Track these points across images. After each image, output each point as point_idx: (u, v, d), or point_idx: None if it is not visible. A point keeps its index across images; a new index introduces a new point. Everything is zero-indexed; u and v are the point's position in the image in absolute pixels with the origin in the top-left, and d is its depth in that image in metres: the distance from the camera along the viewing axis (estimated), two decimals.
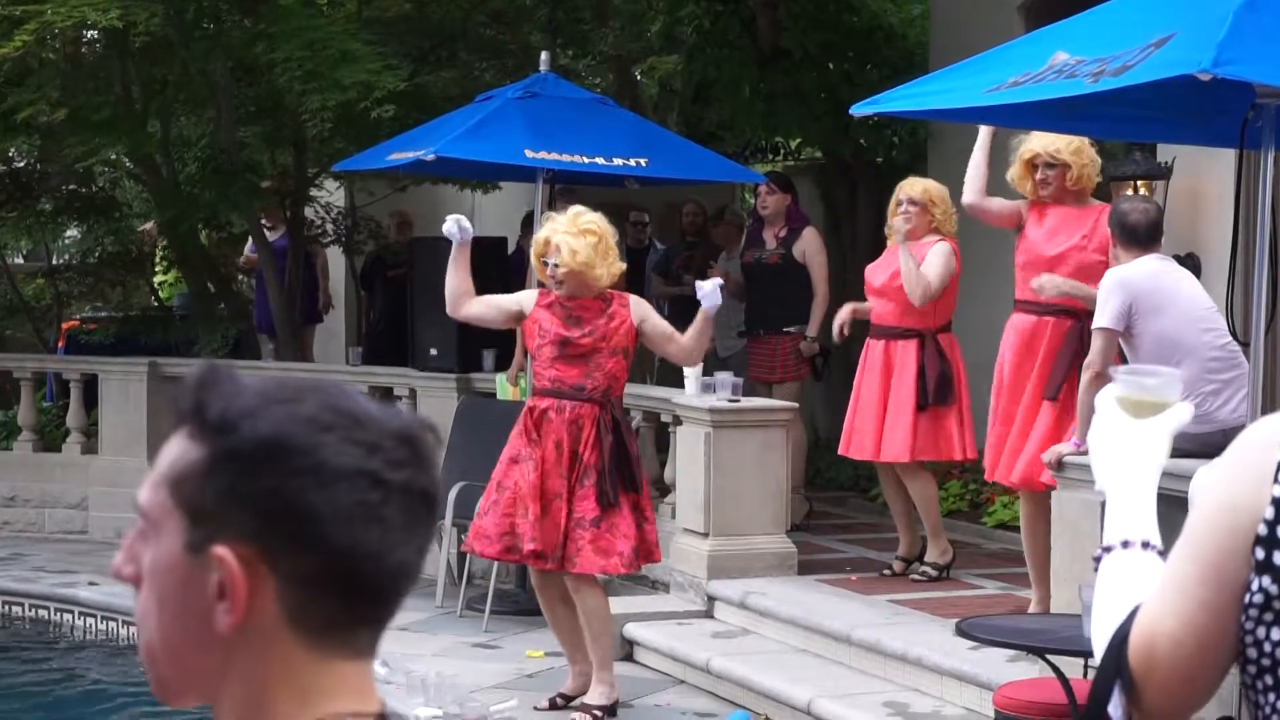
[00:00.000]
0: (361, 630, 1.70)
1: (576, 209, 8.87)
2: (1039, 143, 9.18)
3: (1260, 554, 2.29)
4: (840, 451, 11.14)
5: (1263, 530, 2.30)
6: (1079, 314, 9.02)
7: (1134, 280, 8.00)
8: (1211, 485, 2.38)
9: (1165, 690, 2.37)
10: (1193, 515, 2.39)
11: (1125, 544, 2.56)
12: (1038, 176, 9.25)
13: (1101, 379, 8.10)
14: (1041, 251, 9.26)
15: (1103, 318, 8.02)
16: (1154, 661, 2.36)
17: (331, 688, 1.68)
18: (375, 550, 1.67)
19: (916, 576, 10.70)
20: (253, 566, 1.65)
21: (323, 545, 1.65)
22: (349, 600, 1.68)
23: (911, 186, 10.62)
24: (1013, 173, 9.38)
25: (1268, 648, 2.30)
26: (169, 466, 1.70)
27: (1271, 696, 2.33)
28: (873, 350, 10.74)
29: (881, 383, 10.63)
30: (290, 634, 1.66)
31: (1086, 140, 9.19)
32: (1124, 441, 2.67)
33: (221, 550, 1.64)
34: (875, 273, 10.77)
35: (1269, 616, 2.30)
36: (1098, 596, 2.54)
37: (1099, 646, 2.46)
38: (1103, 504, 7.78)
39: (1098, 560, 2.58)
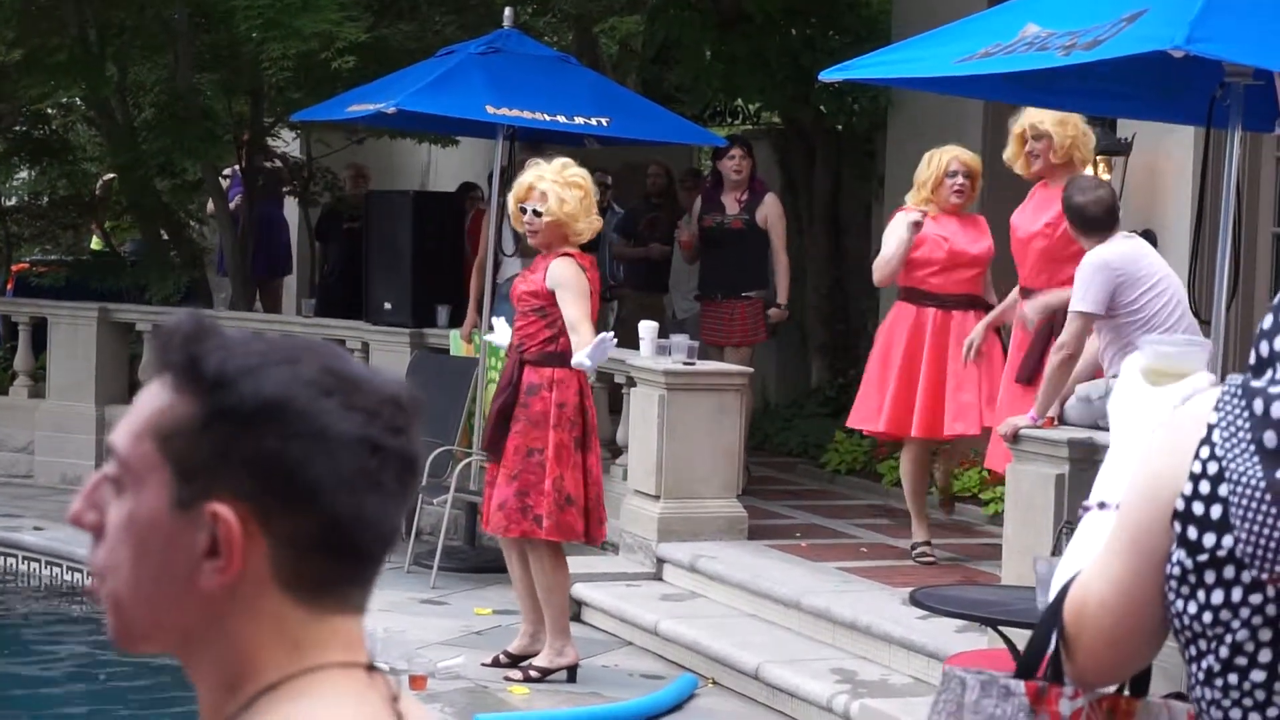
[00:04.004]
0: (351, 589, 1.70)
1: (564, 160, 8.77)
2: (1028, 116, 9.05)
3: (1177, 528, 2.38)
4: (918, 434, 10.15)
5: (1180, 505, 2.37)
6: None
7: (1117, 263, 8.02)
8: (1146, 454, 2.46)
9: (1092, 650, 2.48)
10: (1130, 483, 2.48)
11: (1102, 505, 2.66)
12: (1026, 149, 9.17)
13: (1073, 360, 8.12)
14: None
15: (1083, 301, 8.01)
16: (1083, 621, 2.47)
17: (324, 639, 1.68)
18: (371, 516, 1.67)
19: (930, 559, 10.34)
20: (246, 526, 1.63)
21: (320, 510, 1.64)
22: (339, 563, 1.68)
23: (964, 154, 10.18)
24: (1009, 151, 9.24)
25: (1186, 620, 2.38)
26: (153, 418, 1.67)
27: (1193, 667, 2.40)
28: (955, 321, 10.08)
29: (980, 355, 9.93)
30: (279, 592, 1.65)
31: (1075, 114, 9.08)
32: (1131, 407, 2.76)
33: (220, 508, 1.62)
34: (966, 243, 10.12)
35: (1185, 589, 2.38)
36: (1068, 552, 2.63)
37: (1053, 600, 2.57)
38: (1057, 476, 7.74)
39: (1083, 513, 2.69)
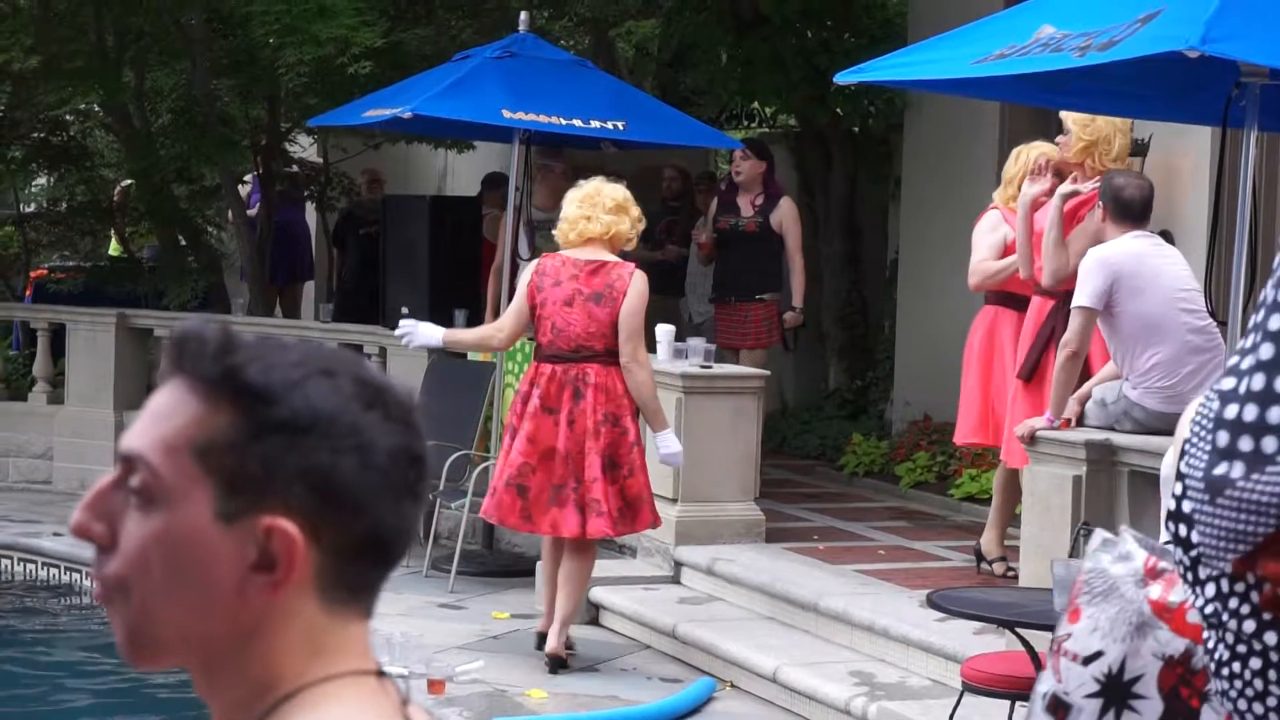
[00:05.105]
0: (373, 594, 1.73)
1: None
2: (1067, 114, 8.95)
3: (1171, 527, 2.42)
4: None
5: (1170, 504, 2.44)
6: (1058, 294, 9.02)
7: (1115, 260, 8.00)
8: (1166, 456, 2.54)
9: None
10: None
11: None
12: (1057, 138, 9.20)
13: (1078, 357, 8.10)
14: None
15: (1082, 296, 8.01)
16: None
17: (341, 646, 1.68)
18: (409, 523, 1.70)
19: (1011, 575, 9.74)
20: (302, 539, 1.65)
21: (368, 521, 1.67)
22: (375, 568, 1.70)
23: (1052, 150, 9.52)
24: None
25: (1197, 613, 2.45)
26: (188, 430, 1.65)
27: (1208, 658, 2.46)
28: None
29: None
30: (316, 600, 1.67)
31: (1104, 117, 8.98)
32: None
33: (278, 522, 1.63)
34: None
35: (1192, 584, 2.45)
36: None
37: None
38: (1075, 478, 7.68)
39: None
